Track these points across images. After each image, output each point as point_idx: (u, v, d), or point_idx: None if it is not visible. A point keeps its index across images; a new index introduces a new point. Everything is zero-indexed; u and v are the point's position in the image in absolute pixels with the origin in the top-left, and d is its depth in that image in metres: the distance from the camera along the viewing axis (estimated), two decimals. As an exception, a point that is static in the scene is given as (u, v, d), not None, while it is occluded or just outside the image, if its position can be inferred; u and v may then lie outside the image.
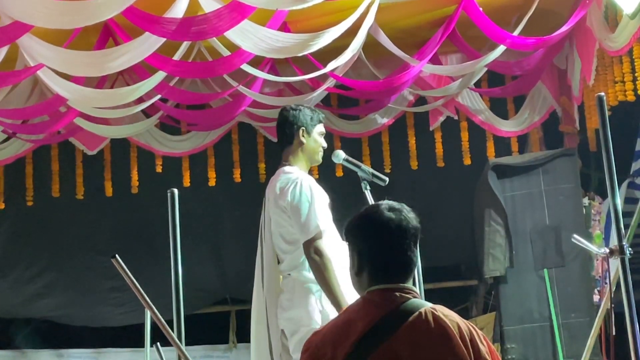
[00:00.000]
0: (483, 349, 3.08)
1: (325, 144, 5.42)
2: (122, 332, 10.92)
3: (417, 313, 3.10)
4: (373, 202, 4.81)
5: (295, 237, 5.07)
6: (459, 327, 3.09)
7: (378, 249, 3.24)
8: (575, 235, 4.32)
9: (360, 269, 3.26)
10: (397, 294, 3.16)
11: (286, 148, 5.36)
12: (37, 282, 10.56)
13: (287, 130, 5.34)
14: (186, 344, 3.74)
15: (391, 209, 3.27)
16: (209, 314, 11.48)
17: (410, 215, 3.26)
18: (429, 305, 3.15)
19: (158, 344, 3.79)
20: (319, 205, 5.03)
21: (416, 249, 3.27)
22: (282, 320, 5.13)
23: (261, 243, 5.37)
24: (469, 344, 3.06)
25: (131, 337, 10.21)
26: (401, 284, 3.19)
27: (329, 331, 3.21)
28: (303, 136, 5.31)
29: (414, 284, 5.10)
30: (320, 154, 5.39)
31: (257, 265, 5.38)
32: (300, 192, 5.07)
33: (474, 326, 3.17)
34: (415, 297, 3.18)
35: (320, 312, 4.99)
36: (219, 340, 11.61)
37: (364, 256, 3.26)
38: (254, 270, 5.39)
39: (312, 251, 4.92)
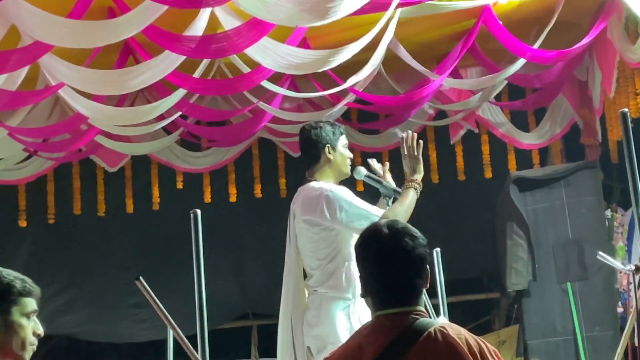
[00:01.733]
0: None
1: (351, 155, 5.38)
2: (145, 348, 10.91)
3: (426, 334, 3.05)
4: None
5: (326, 252, 5.02)
6: (468, 344, 3.04)
7: (378, 275, 3.18)
8: (600, 253, 4.29)
9: (365, 292, 3.22)
10: (404, 317, 3.11)
11: (313, 167, 5.28)
12: (58, 299, 10.57)
13: (313, 150, 5.26)
14: (208, 360, 3.74)
15: (392, 232, 3.19)
16: (230, 329, 11.46)
17: (413, 238, 3.17)
18: (437, 324, 3.11)
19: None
20: (357, 202, 4.99)
21: (423, 272, 3.17)
22: (308, 337, 5.09)
23: (287, 259, 5.32)
24: (479, 358, 3.03)
25: (153, 353, 10.20)
26: (407, 307, 3.14)
27: (340, 356, 3.17)
28: (330, 153, 5.23)
29: (436, 298, 5.12)
30: (349, 166, 5.33)
31: (285, 281, 5.34)
32: (333, 203, 4.99)
33: (484, 341, 3.13)
34: (423, 317, 3.13)
35: (348, 330, 4.89)
36: (241, 356, 11.56)
37: (366, 280, 3.21)
38: (274, 284, 5.37)
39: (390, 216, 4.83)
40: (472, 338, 3.09)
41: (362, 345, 3.11)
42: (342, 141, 5.32)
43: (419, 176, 5.21)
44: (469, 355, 3.02)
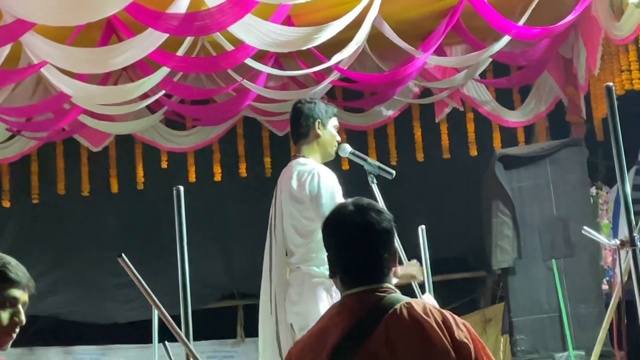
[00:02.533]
0: (462, 337, 3.01)
1: (339, 138, 5.37)
2: (130, 329, 10.89)
3: (391, 311, 3.04)
4: (379, 196, 4.80)
5: (309, 229, 5.02)
6: (435, 318, 3.02)
7: (344, 252, 3.16)
8: (585, 228, 4.29)
9: (333, 272, 3.20)
10: (371, 295, 3.09)
11: (301, 141, 5.27)
12: (44, 279, 10.53)
13: (303, 123, 5.25)
14: (194, 339, 3.72)
15: (357, 208, 3.18)
16: (216, 308, 11.47)
17: (378, 213, 3.17)
18: (404, 300, 3.09)
19: (166, 342, 3.76)
20: (339, 196, 4.99)
21: (389, 246, 3.16)
22: (290, 314, 5.09)
23: (270, 236, 5.32)
24: (446, 333, 3.00)
25: (139, 334, 10.16)
26: (374, 285, 3.12)
27: (308, 339, 3.16)
28: (319, 128, 5.23)
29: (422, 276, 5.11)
30: (335, 147, 5.32)
31: (266, 258, 5.34)
32: (318, 184, 5.02)
33: (452, 314, 3.10)
34: (390, 293, 3.11)
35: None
36: (226, 335, 11.59)
37: (333, 260, 3.20)
38: (261, 264, 5.35)
39: None
40: (438, 312, 3.07)
41: (329, 327, 3.10)
42: (333, 122, 5.32)
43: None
44: (435, 328, 3.00)
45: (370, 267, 3.13)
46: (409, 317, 3.02)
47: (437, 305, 4.57)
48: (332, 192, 4.99)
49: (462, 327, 3.05)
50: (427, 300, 4.86)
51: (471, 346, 3.02)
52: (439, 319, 3.03)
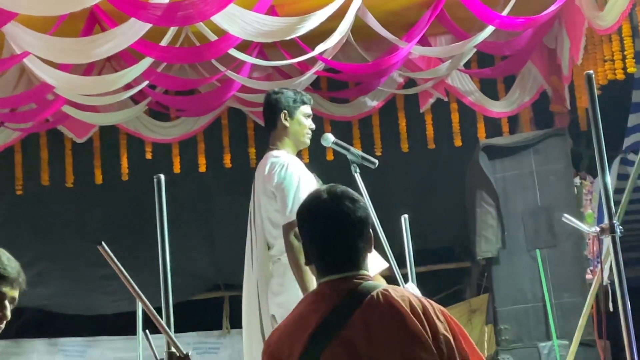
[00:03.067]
0: (440, 324, 3.02)
1: (312, 126, 5.38)
2: (115, 320, 10.89)
3: (368, 297, 3.03)
4: (362, 186, 4.80)
5: (281, 222, 5.04)
6: (411, 304, 3.03)
7: (319, 240, 3.16)
8: (565, 215, 4.31)
9: (308, 259, 3.20)
10: (348, 282, 3.09)
11: (272, 132, 5.34)
12: (28, 271, 10.25)
13: (271, 116, 5.32)
14: (179, 331, 3.70)
15: (331, 197, 3.17)
16: (202, 300, 11.48)
17: (353, 201, 3.16)
18: (381, 287, 3.08)
19: (147, 331, 3.75)
20: (304, 188, 5.00)
21: (364, 235, 3.15)
22: (272, 305, 5.11)
23: (251, 227, 5.34)
24: (423, 320, 3.00)
25: (124, 325, 10.18)
26: (350, 272, 3.11)
27: (285, 328, 3.16)
28: (285, 119, 5.27)
29: (404, 267, 5.12)
30: (307, 136, 5.34)
31: (247, 250, 5.36)
32: (285, 174, 5.05)
33: (430, 301, 3.11)
34: (367, 280, 3.11)
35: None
36: (212, 327, 11.60)
37: (308, 248, 3.19)
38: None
39: (292, 234, 4.87)
40: (416, 300, 3.07)
41: (306, 314, 3.10)
42: (303, 110, 5.33)
43: None
44: (412, 315, 2.99)
45: (345, 255, 3.13)
46: (385, 303, 3.02)
47: (419, 294, 4.58)
48: (297, 183, 5.01)
49: (441, 316, 3.05)
50: (409, 289, 4.88)
51: (449, 335, 3.02)
52: (417, 306, 3.04)
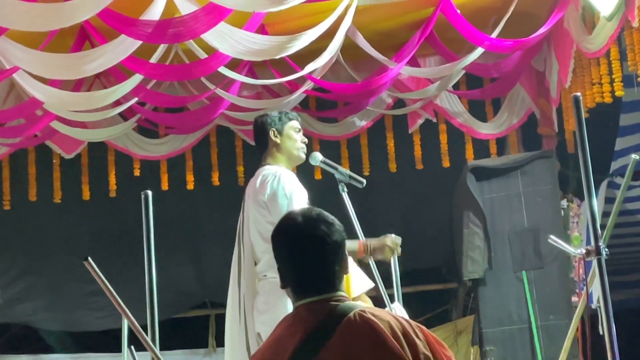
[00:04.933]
0: (420, 342, 3.00)
1: (305, 139, 5.42)
2: (101, 337, 10.84)
3: (345, 318, 3.02)
4: (350, 205, 4.81)
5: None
6: (390, 325, 3.01)
7: (295, 263, 3.14)
8: (551, 236, 4.32)
9: (284, 281, 3.17)
10: (324, 304, 3.08)
11: (264, 153, 5.40)
12: (14, 286, 10.49)
13: (261, 138, 5.41)
14: (165, 348, 3.71)
15: (306, 220, 3.15)
16: (188, 318, 11.43)
17: (328, 225, 3.14)
18: (358, 307, 3.08)
19: (132, 347, 3.74)
20: (297, 198, 5.00)
21: (340, 258, 3.13)
22: (258, 323, 5.10)
23: (239, 244, 5.35)
24: (402, 340, 2.98)
25: (110, 342, 10.15)
26: (327, 295, 3.10)
27: (264, 351, 3.14)
28: (276, 136, 5.34)
29: (391, 287, 5.13)
30: (302, 150, 5.39)
31: (234, 266, 5.35)
32: (278, 185, 5.06)
33: (409, 321, 3.09)
34: (344, 302, 3.10)
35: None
36: (198, 345, 11.54)
37: (283, 271, 3.17)
38: (230, 272, 5.37)
39: None
40: (395, 319, 3.06)
41: (283, 338, 3.08)
42: (291, 125, 5.40)
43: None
44: (390, 335, 2.98)
45: (321, 278, 3.11)
46: (363, 323, 3.01)
47: (405, 315, 4.58)
48: (290, 193, 5.03)
49: (420, 334, 3.04)
50: (396, 309, 4.89)
51: (429, 353, 3.01)
52: (396, 326, 3.02)
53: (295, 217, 3.18)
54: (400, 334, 3.00)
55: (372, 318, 3.02)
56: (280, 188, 5.05)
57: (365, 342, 2.98)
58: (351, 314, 3.03)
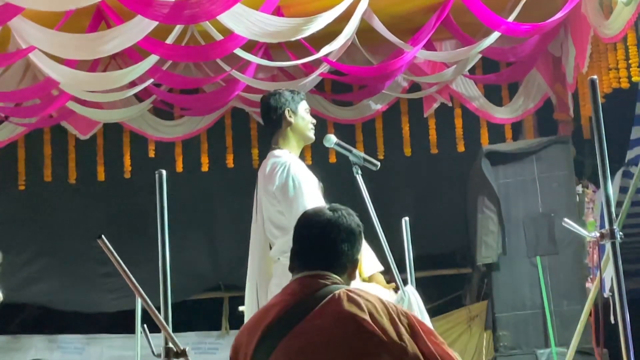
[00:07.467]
0: (402, 328, 3.04)
1: (314, 120, 5.40)
2: (115, 318, 10.88)
3: (330, 295, 3.08)
4: (364, 187, 4.81)
5: (284, 223, 5.03)
6: (375, 305, 3.05)
7: (301, 239, 3.28)
8: (566, 219, 4.29)
9: (291, 261, 3.31)
10: (314, 280, 3.15)
11: (276, 132, 5.32)
12: (29, 267, 10.53)
13: (273, 116, 5.30)
14: (179, 330, 3.72)
15: (331, 209, 3.33)
16: (201, 300, 11.46)
17: (347, 216, 3.30)
18: (345, 287, 3.14)
19: (145, 326, 3.74)
20: (306, 188, 5.00)
21: (351, 245, 3.26)
22: (270, 305, 5.10)
23: (255, 225, 5.34)
24: (384, 320, 3.03)
25: (123, 323, 10.17)
26: (320, 271, 3.17)
27: (250, 321, 3.25)
28: (290, 116, 5.28)
29: (404, 271, 5.12)
30: (312, 130, 5.36)
31: (251, 250, 5.35)
32: (287, 175, 5.04)
33: (397, 306, 3.13)
34: (336, 284, 3.16)
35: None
36: (211, 327, 11.57)
37: (292, 249, 3.30)
38: (246, 256, 5.36)
39: None
40: (380, 301, 3.10)
41: (271, 306, 3.18)
42: (303, 105, 5.36)
43: None
44: (372, 314, 3.02)
45: (322, 253, 3.21)
46: (346, 302, 3.06)
47: (419, 299, 4.59)
48: (299, 183, 5.00)
49: (404, 318, 3.08)
50: (410, 293, 4.87)
51: (410, 337, 3.03)
52: (380, 307, 3.07)
53: (323, 209, 3.37)
54: (383, 315, 3.04)
55: (356, 297, 3.07)
56: (290, 179, 5.02)
57: (343, 318, 3.03)
58: (336, 292, 3.09)
